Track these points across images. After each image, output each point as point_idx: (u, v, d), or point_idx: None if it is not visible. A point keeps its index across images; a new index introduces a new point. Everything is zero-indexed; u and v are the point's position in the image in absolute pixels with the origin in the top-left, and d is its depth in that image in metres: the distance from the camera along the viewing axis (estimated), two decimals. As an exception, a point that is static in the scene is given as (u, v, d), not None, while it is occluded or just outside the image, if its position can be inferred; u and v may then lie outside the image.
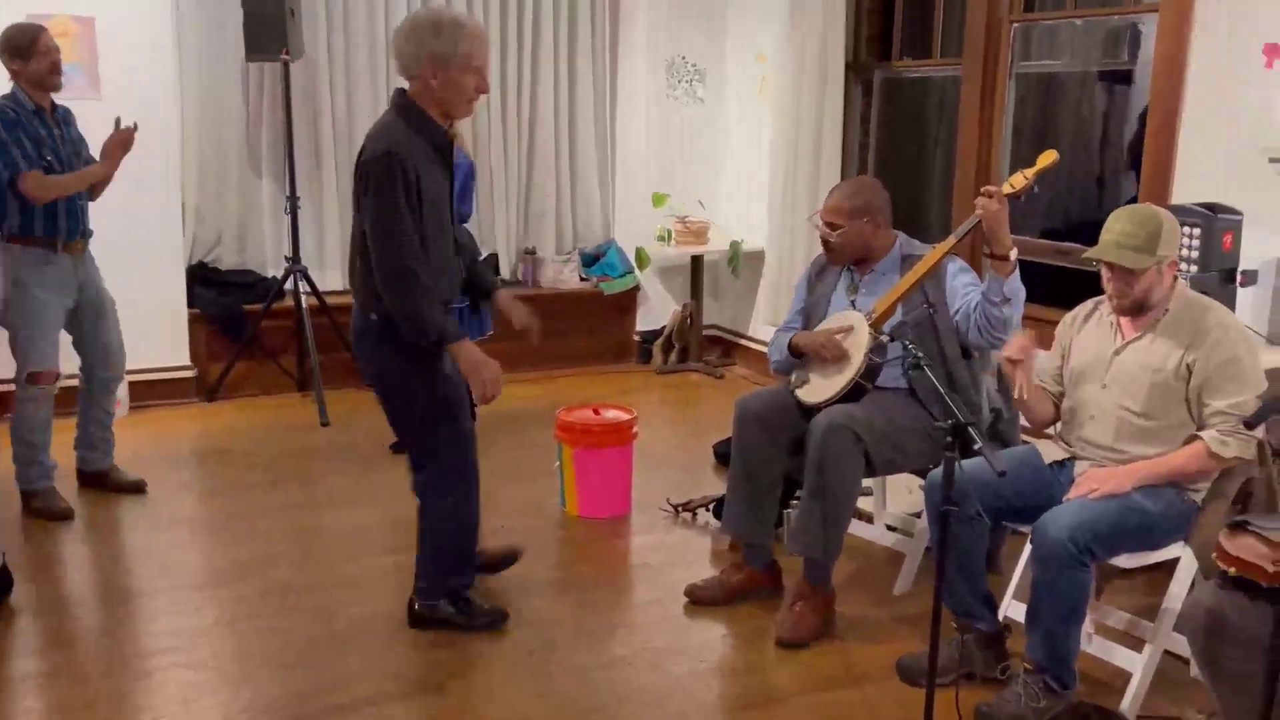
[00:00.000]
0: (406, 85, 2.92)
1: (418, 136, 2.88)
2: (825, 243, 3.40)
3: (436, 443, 3.08)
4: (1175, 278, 2.82)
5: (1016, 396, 2.90)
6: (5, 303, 3.90)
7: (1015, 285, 3.05)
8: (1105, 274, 2.80)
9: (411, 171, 2.81)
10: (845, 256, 3.40)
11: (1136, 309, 2.80)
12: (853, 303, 3.40)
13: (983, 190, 3.01)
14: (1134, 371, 2.80)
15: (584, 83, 6.30)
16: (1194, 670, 2.87)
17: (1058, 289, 4.38)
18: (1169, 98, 3.99)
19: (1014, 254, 3.01)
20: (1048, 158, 3.09)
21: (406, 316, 2.86)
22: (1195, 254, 3.41)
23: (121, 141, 4.00)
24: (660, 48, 6.37)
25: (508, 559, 3.57)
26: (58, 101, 3.96)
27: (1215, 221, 3.42)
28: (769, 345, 3.60)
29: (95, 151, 4.03)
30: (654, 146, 6.45)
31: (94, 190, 4.04)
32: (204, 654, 3.10)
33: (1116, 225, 2.75)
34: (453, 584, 3.22)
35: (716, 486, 4.27)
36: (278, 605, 3.39)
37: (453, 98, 2.89)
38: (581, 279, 6.41)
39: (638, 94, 6.42)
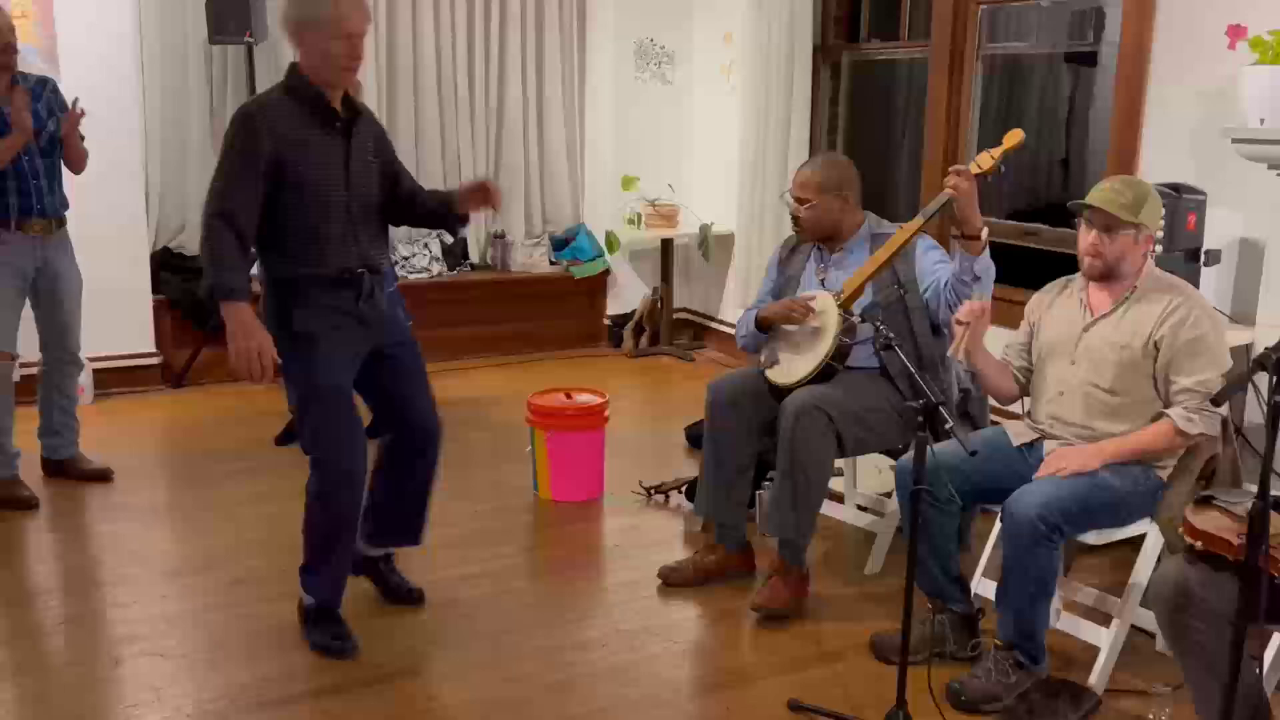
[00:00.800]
0: None
1: (295, 103, 2.82)
2: (795, 218, 3.40)
3: (308, 431, 2.92)
4: (1147, 256, 2.84)
5: (950, 352, 2.90)
6: None
7: (985, 263, 3.06)
8: (1082, 233, 2.82)
9: (266, 136, 2.76)
10: (814, 232, 3.40)
11: (1107, 273, 2.81)
12: (822, 282, 3.41)
13: (951, 169, 3.02)
14: (1102, 348, 2.82)
15: (551, 65, 6.26)
16: (1160, 644, 2.91)
17: (1024, 270, 4.41)
18: (1133, 79, 4.02)
19: (985, 232, 3.02)
20: (1014, 137, 3.10)
21: (204, 252, 2.80)
22: (1160, 234, 3.44)
23: (70, 124, 3.92)
24: (629, 30, 6.34)
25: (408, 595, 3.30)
26: (34, 74, 3.89)
27: (1180, 202, 3.45)
28: (737, 324, 3.59)
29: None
30: (623, 129, 6.43)
31: (71, 164, 3.98)
32: (174, 642, 3.07)
33: (1106, 183, 2.81)
34: (308, 583, 3.03)
35: (689, 469, 4.28)
36: (247, 594, 3.36)
37: (320, 65, 2.80)
38: (551, 263, 6.39)
39: (606, 76, 6.39)
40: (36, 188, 3.86)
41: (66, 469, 4.21)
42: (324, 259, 2.87)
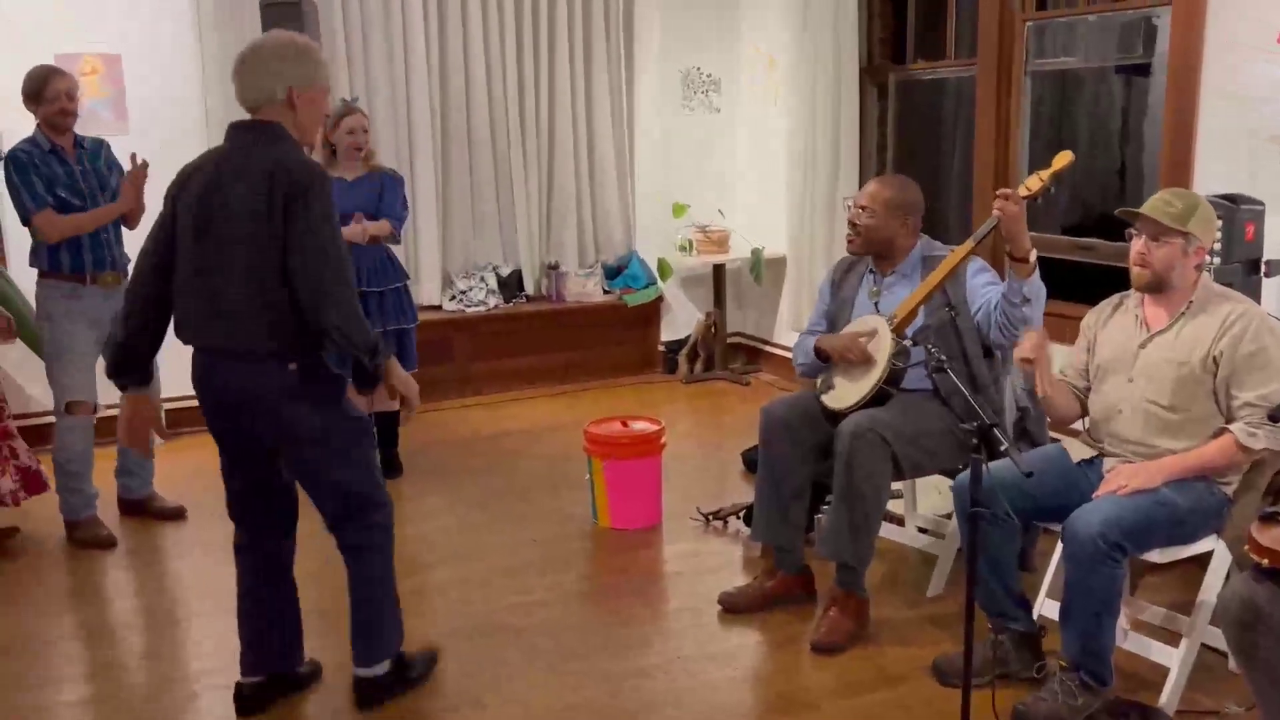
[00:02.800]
0: (247, 117, 2.71)
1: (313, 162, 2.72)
2: (852, 224, 3.40)
3: (371, 485, 2.84)
4: (1200, 270, 2.82)
5: (1040, 394, 2.90)
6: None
7: (1035, 286, 3.04)
8: (1132, 244, 2.80)
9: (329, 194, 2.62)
10: (866, 244, 3.40)
11: (1155, 283, 2.79)
12: (875, 305, 3.41)
13: (999, 193, 3.01)
14: (1160, 365, 2.79)
15: (600, 97, 6.34)
16: (1233, 663, 2.85)
17: (1078, 285, 4.36)
18: (1185, 90, 3.97)
19: (1033, 255, 3.01)
20: (1063, 159, 3.09)
21: (360, 341, 2.58)
22: (1218, 245, 3.39)
23: (133, 179, 4.06)
24: (674, 59, 6.40)
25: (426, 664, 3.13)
26: (88, 135, 4.05)
27: (1237, 212, 3.39)
28: (793, 349, 3.61)
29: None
30: (672, 157, 6.48)
31: (128, 220, 4.12)
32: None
33: (1156, 195, 2.82)
34: (397, 640, 2.96)
35: (746, 494, 4.28)
36: (317, 626, 3.41)
37: (314, 122, 2.75)
38: (605, 291, 6.44)
39: (654, 105, 6.45)
40: (107, 241, 4.04)
41: (142, 508, 4.34)
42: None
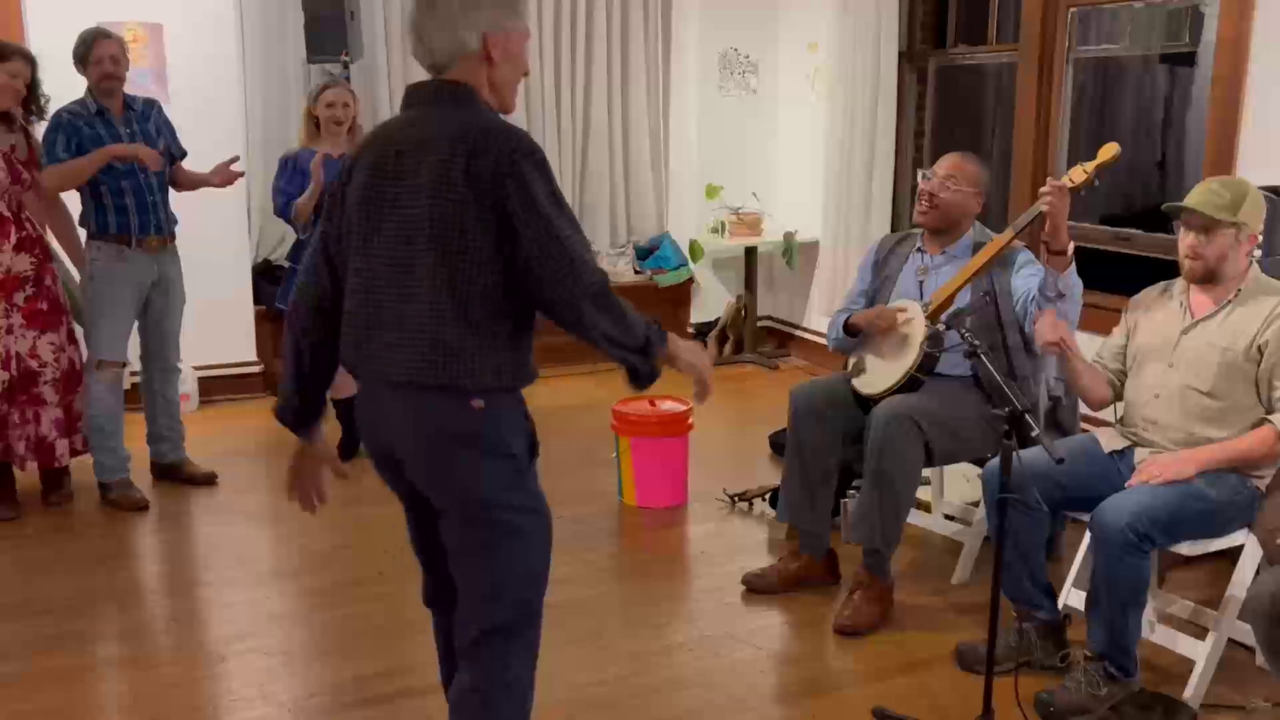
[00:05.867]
0: (429, 77, 2.10)
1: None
2: (930, 196, 3.36)
3: (536, 591, 2.21)
4: (1250, 257, 2.79)
5: (1068, 376, 2.88)
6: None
7: (1071, 280, 3.00)
8: (1181, 236, 2.79)
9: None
10: (943, 217, 3.36)
11: (1208, 275, 2.77)
12: (921, 284, 3.40)
13: (1047, 183, 2.96)
14: (1202, 350, 2.77)
15: (636, 77, 6.33)
16: (1260, 659, 2.84)
17: (1118, 275, 4.33)
18: (1232, 80, 3.92)
19: (1071, 248, 2.98)
20: (1108, 151, 3.04)
21: (628, 341, 2.05)
22: (1260, 238, 3.35)
23: (221, 173, 4.19)
24: (712, 40, 6.38)
25: None
26: (141, 96, 4.12)
27: (1279, 205, 3.36)
28: (828, 326, 3.61)
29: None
30: (707, 138, 6.46)
31: (183, 186, 4.21)
32: (276, 641, 3.19)
33: (1202, 185, 2.79)
34: None
35: (772, 477, 4.28)
36: (348, 595, 3.47)
37: (513, 80, 2.12)
38: (636, 272, 6.45)
39: (690, 86, 6.44)
40: (153, 204, 4.08)
41: (174, 473, 4.40)
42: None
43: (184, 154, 4.26)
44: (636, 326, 2.05)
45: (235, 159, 4.23)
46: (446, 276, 1.97)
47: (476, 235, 1.96)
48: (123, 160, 3.94)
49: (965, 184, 3.35)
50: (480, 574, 2.13)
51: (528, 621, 2.22)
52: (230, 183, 4.25)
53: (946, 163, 3.40)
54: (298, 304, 2.20)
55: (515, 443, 2.12)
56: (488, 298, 1.99)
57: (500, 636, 2.17)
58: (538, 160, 1.98)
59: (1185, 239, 2.78)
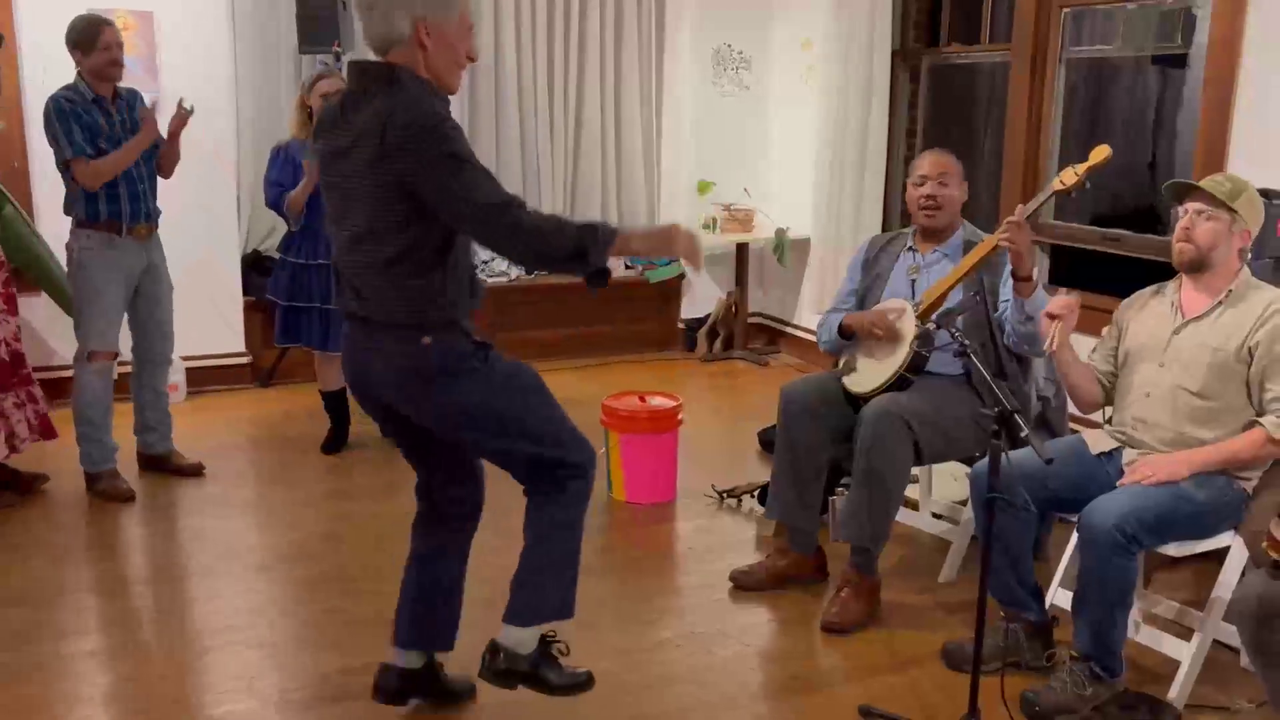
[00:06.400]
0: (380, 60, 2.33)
1: (439, 103, 2.34)
2: (930, 198, 3.38)
3: (556, 427, 2.48)
4: (1243, 256, 2.81)
5: (1046, 347, 2.89)
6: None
7: (1036, 304, 3.03)
8: (1178, 219, 2.81)
9: (460, 133, 2.29)
10: (944, 216, 3.40)
11: (1197, 263, 2.78)
12: (913, 282, 3.40)
13: (1007, 221, 2.99)
14: (1193, 350, 2.78)
15: (629, 71, 6.32)
16: (1244, 660, 2.85)
17: (1106, 276, 4.34)
18: (1223, 82, 3.94)
19: (1035, 274, 3.03)
20: (1100, 153, 3.05)
21: (563, 255, 2.28)
22: (1251, 239, 3.37)
23: (174, 123, 4.12)
24: (706, 35, 6.37)
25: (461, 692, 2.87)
26: (122, 86, 4.07)
27: (1270, 208, 3.36)
28: (818, 327, 3.61)
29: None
30: (699, 134, 6.46)
31: (163, 168, 4.16)
32: (262, 633, 3.18)
33: (1206, 176, 2.83)
34: (564, 599, 2.59)
35: (761, 474, 4.29)
36: (334, 587, 3.46)
37: (450, 64, 2.35)
38: (627, 267, 6.44)
39: (683, 82, 6.43)
40: (143, 192, 4.06)
41: (161, 463, 4.38)
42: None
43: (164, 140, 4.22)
44: (562, 235, 2.28)
45: (181, 101, 4.12)
46: (377, 232, 2.31)
47: (395, 197, 2.26)
48: (146, 145, 3.97)
49: (955, 178, 3.41)
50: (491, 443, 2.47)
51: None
52: (183, 124, 4.11)
53: (936, 163, 3.41)
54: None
55: (466, 362, 2.39)
56: (415, 248, 2.30)
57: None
58: (434, 130, 2.23)
59: (1180, 222, 2.81)
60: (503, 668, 2.53)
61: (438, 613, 2.76)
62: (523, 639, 2.53)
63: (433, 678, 2.79)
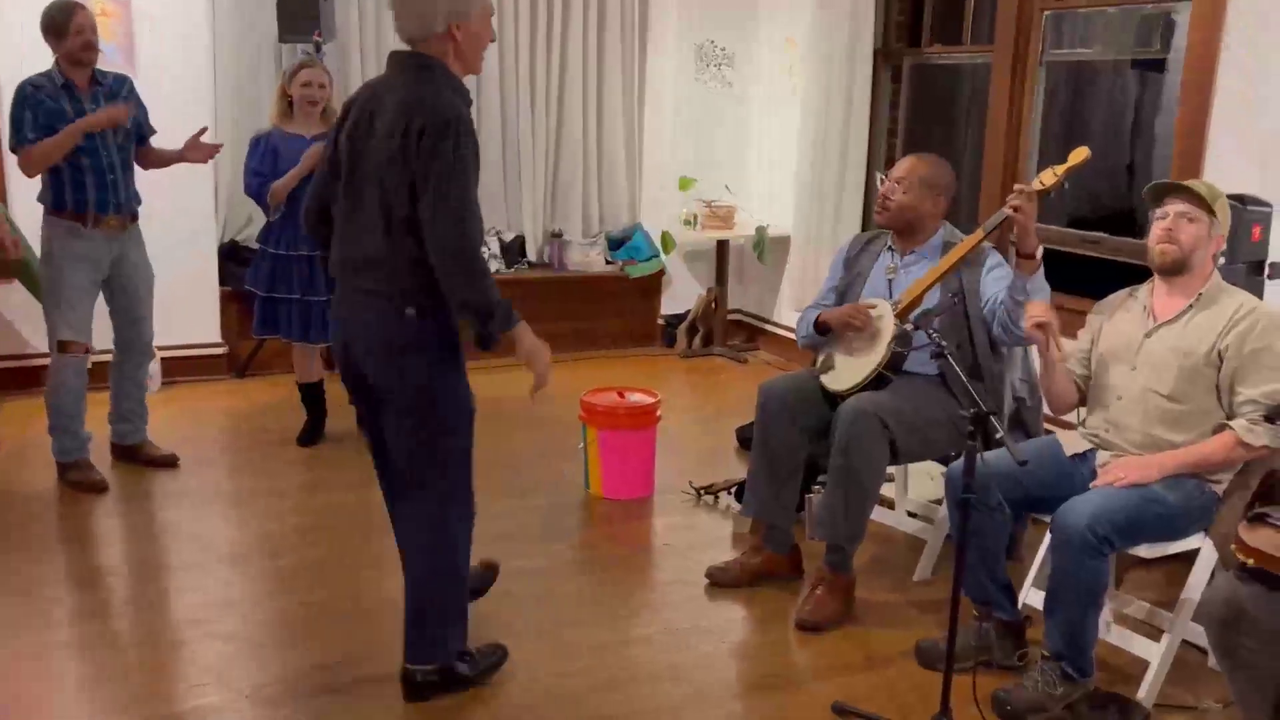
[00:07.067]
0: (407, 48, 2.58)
1: (460, 99, 2.57)
2: (884, 199, 3.40)
3: (451, 460, 2.69)
4: (1214, 261, 2.84)
5: (1045, 355, 2.91)
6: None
7: (1038, 283, 3.04)
8: (1156, 225, 2.82)
9: (473, 135, 2.52)
10: (895, 219, 3.40)
11: (1178, 265, 2.80)
12: (890, 282, 3.41)
13: (1015, 189, 3.00)
14: (1164, 354, 2.80)
15: (612, 66, 6.31)
16: (1212, 661, 2.88)
17: (1084, 278, 4.37)
18: (1200, 88, 3.96)
19: (1039, 252, 3.01)
20: (1079, 155, 3.07)
21: (473, 301, 2.50)
22: (1224, 244, 3.40)
23: (196, 148, 4.15)
24: (690, 31, 6.37)
25: (487, 578, 3.19)
26: (112, 71, 4.03)
27: (1245, 213, 3.39)
28: (797, 323, 3.62)
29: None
30: (681, 130, 6.46)
31: (148, 163, 4.14)
32: (235, 626, 3.17)
33: (1183, 180, 2.86)
34: (460, 634, 2.81)
35: (738, 470, 4.30)
36: (307, 581, 3.45)
37: (478, 48, 2.61)
38: (607, 262, 6.45)
39: (666, 77, 6.43)
40: (113, 183, 3.99)
41: (134, 454, 4.35)
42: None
43: (154, 132, 4.19)
44: (488, 295, 2.49)
45: (204, 130, 4.17)
46: (383, 208, 2.51)
47: (402, 179, 2.47)
48: (93, 129, 3.86)
49: (915, 185, 3.36)
50: None
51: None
52: (209, 157, 4.19)
53: (902, 165, 3.43)
54: (306, 208, 2.79)
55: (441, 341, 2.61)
56: (410, 226, 2.49)
57: None
58: (450, 130, 2.44)
59: (1162, 224, 2.81)
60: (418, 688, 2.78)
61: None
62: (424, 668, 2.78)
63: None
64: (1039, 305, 2.89)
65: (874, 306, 3.34)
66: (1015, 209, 2.95)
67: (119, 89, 4.05)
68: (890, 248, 3.48)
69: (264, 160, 4.37)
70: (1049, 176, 3.08)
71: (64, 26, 3.85)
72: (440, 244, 2.46)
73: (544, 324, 7.12)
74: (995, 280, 3.24)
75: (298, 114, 4.44)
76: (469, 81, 2.67)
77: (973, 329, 3.27)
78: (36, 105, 3.83)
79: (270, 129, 4.47)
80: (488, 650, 2.91)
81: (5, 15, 4.82)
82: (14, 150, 3.87)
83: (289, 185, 4.29)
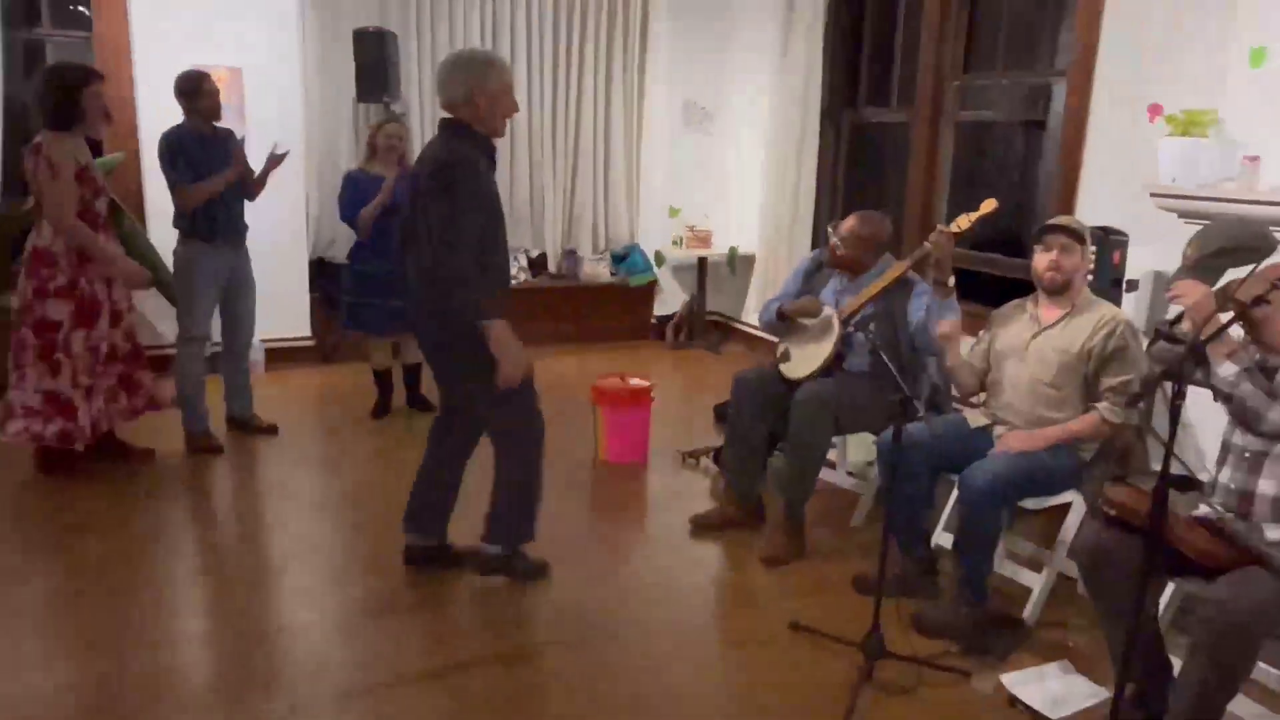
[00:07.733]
0: (450, 115, 2.70)
1: (477, 150, 2.68)
2: (833, 248, 3.39)
3: (502, 393, 2.76)
4: (1084, 281, 2.85)
5: (951, 364, 2.92)
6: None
7: (951, 305, 3.05)
8: (1040, 256, 2.81)
9: (473, 176, 2.62)
10: (841, 264, 3.41)
11: (1064, 286, 2.80)
12: (837, 301, 3.41)
13: (937, 228, 3.00)
14: (1047, 352, 2.82)
15: (616, 118, 6.27)
16: (1081, 589, 2.90)
17: (983, 290, 4.38)
18: (1073, 143, 3.97)
19: (951, 281, 3.02)
20: (989, 205, 3.06)
21: (455, 304, 2.63)
22: (1092, 266, 3.41)
23: (270, 163, 4.10)
24: (678, 91, 6.34)
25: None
26: (222, 126, 4.03)
27: (1108, 242, 3.41)
28: (761, 310, 3.59)
29: (255, 166, 4.11)
30: (671, 170, 6.43)
31: (247, 191, 4.10)
32: (323, 559, 3.17)
33: (1064, 219, 2.85)
34: (527, 529, 2.95)
35: (715, 439, 4.31)
36: (379, 525, 3.45)
37: (500, 114, 2.71)
38: (611, 274, 6.43)
39: (660, 128, 6.39)
40: (230, 214, 4.01)
41: (243, 425, 4.34)
42: (500, 269, 2.80)
43: (254, 173, 4.17)
44: (462, 300, 2.59)
45: (274, 145, 4.11)
46: (426, 234, 2.60)
47: (433, 217, 2.59)
48: (234, 179, 3.94)
49: (854, 243, 3.34)
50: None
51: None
52: (277, 165, 4.11)
53: (845, 225, 3.39)
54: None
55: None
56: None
57: None
58: (453, 181, 2.57)
59: (1048, 255, 2.79)
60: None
61: (434, 505, 3.01)
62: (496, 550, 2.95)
63: (445, 551, 3.05)
64: (948, 323, 2.90)
65: (824, 307, 3.34)
66: (934, 244, 2.96)
67: (229, 142, 4.04)
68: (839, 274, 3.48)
69: (355, 194, 4.35)
70: (964, 221, 3.07)
71: (196, 90, 3.85)
72: (428, 261, 2.59)
73: (561, 323, 7.11)
74: (919, 306, 3.24)
75: (380, 158, 4.41)
76: (506, 138, 2.77)
77: (899, 335, 3.27)
78: (182, 152, 3.83)
79: (357, 170, 4.45)
80: (539, 563, 3.03)
81: (151, 80, 4.80)
82: (172, 189, 3.87)
83: (373, 214, 4.28)
